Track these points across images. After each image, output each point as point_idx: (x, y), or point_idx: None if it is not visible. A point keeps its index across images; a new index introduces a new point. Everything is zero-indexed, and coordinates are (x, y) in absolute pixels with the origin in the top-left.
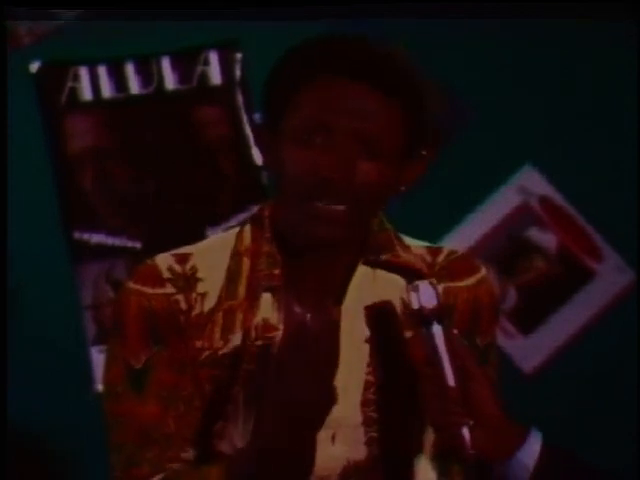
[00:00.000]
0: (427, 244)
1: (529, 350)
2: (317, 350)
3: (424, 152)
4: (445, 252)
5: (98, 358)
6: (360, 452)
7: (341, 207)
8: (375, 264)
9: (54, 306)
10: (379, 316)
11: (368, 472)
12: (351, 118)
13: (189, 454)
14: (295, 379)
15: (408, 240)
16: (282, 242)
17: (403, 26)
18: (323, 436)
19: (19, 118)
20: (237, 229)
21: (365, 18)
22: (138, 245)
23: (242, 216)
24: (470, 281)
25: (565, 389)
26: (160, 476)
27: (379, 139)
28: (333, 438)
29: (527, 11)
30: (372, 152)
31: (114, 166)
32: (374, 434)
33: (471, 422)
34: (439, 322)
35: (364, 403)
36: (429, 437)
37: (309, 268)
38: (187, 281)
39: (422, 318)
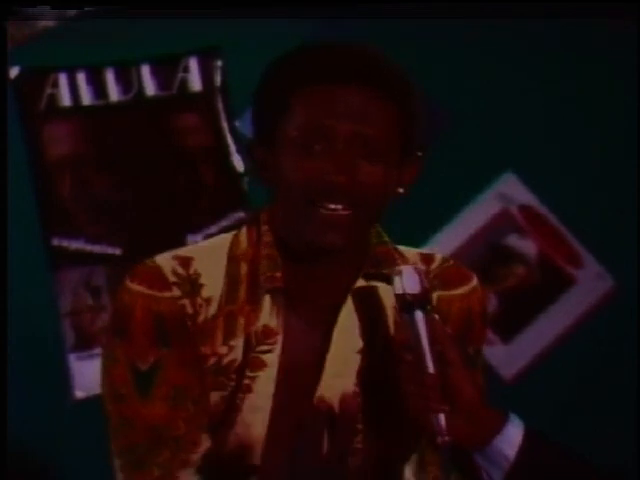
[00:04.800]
0: (419, 250)
1: (509, 357)
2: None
3: (419, 153)
4: (438, 260)
5: (77, 365)
6: None
7: (346, 212)
8: (374, 277)
9: (33, 312)
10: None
11: None
12: (348, 121)
13: (198, 455)
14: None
15: (401, 248)
16: (283, 248)
17: (385, 31)
18: None
19: None
20: (232, 233)
21: (347, 23)
22: (118, 252)
23: (222, 223)
24: (463, 289)
25: (545, 396)
26: None
27: (378, 141)
28: None
29: (520, 13)
30: (372, 154)
31: (93, 173)
32: (358, 445)
33: (447, 408)
34: (421, 308)
35: None
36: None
37: (310, 278)
38: (192, 285)
39: (404, 303)
